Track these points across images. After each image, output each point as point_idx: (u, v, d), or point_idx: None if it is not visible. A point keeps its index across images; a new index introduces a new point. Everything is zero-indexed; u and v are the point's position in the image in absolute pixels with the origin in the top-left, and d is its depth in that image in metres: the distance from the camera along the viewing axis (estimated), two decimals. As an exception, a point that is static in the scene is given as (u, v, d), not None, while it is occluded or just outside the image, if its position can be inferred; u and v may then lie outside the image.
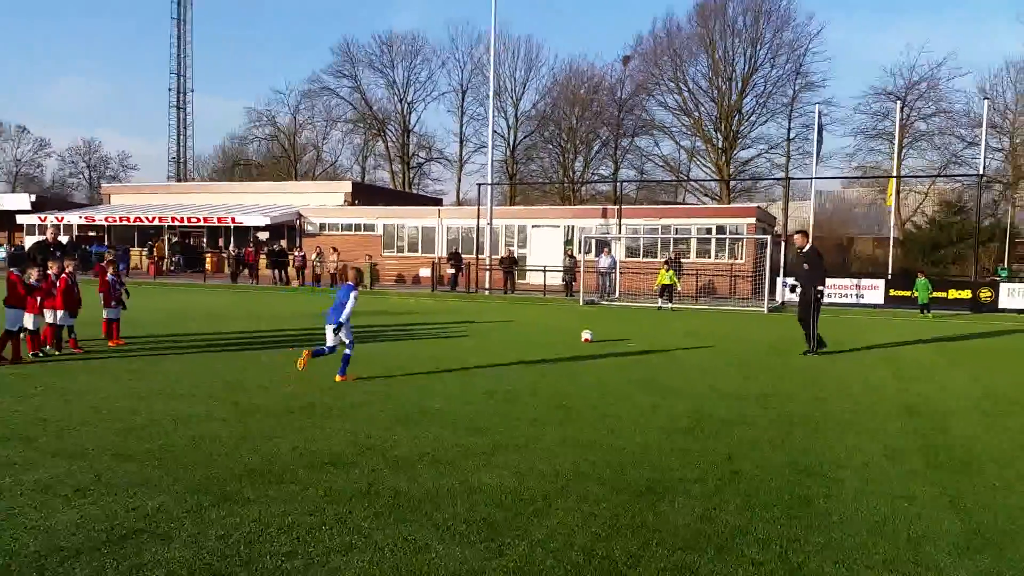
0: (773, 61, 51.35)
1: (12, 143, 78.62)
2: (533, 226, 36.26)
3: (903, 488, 5.66)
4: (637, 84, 55.44)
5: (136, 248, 42.92)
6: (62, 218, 43.67)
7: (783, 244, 31.77)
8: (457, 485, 5.50)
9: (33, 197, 47.99)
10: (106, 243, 43.00)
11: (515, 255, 33.90)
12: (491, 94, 35.66)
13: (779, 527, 4.81)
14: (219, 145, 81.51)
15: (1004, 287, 26.26)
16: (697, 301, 27.84)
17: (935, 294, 25.46)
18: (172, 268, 41.54)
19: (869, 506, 5.24)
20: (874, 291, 27.39)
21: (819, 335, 13.40)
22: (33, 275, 11.20)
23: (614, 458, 6.32)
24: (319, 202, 42.61)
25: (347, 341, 9.86)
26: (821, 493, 5.50)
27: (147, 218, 41.84)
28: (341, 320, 9.61)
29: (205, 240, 44.37)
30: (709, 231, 32.79)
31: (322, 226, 40.41)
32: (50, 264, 12.04)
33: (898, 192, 41.73)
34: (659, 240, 33.02)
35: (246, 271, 35.85)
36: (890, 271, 32.67)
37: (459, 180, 62.27)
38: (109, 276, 13.10)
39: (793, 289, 14.02)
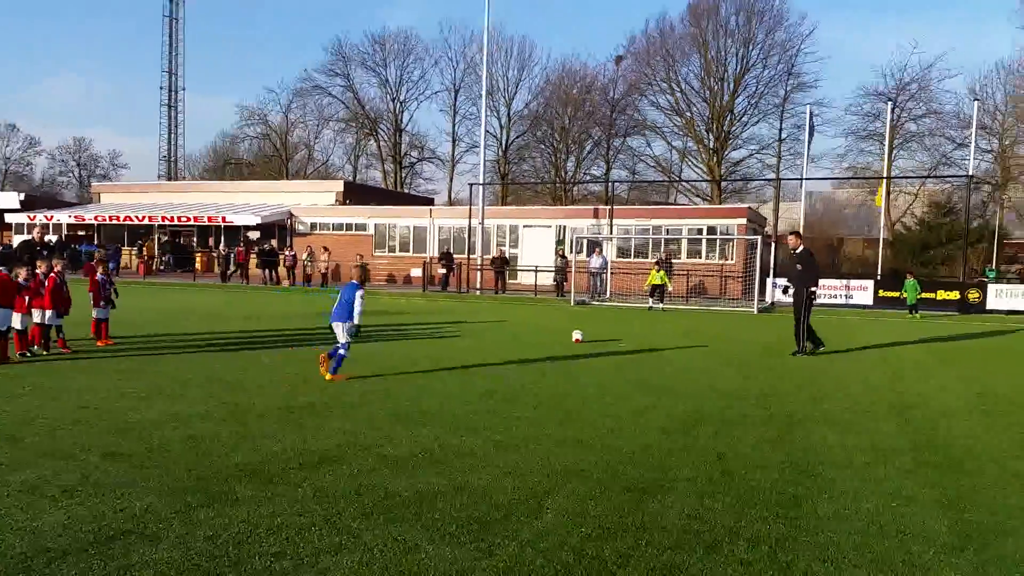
0: (765, 61, 51.59)
1: (2, 141, 78.25)
2: (525, 226, 36.27)
3: (893, 487, 5.68)
4: (629, 84, 55.59)
5: (126, 247, 42.71)
6: (51, 217, 43.45)
7: (773, 245, 31.90)
8: (448, 485, 5.49)
9: (22, 196, 47.73)
10: (96, 242, 42.79)
11: (506, 255, 33.90)
12: (484, 93, 35.64)
13: (769, 526, 4.82)
14: (210, 144, 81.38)
15: (992, 288, 26.42)
16: (688, 301, 27.91)
17: (924, 295, 25.61)
18: (162, 268, 41.38)
19: (859, 505, 5.25)
20: (863, 292, 27.52)
21: (816, 335, 13.45)
22: (21, 274, 11.14)
23: (605, 457, 6.32)
24: (310, 201, 42.50)
25: (344, 341, 9.87)
26: (811, 492, 5.52)
27: (137, 217, 41.66)
28: (357, 323, 9.75)
29: (195, 239, 44.20)
30: (700, 232, 32.87)
31: (313, 226, 40.31)
32: (38, 263, 11.97)
33: (888, 193, 41.89)
34: (650, 240, 33.08)
35: (238, 271, 35.76)
36: (879, 272, 32.82)
37: (451, 180, 62.28)
38: (99, 275, 13.04)
39: (786, 291, 14.05)
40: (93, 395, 8.46)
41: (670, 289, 26.33)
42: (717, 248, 32.86)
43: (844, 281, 28.28)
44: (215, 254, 39.22)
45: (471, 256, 33.09)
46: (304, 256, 35.09)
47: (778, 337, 16.02)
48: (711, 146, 53.00)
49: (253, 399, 8.42)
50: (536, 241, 35.63)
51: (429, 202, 53.17)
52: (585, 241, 31.83)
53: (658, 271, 24.83)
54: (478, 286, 32.15)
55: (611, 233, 33.27)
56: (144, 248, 39.57)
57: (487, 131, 41.53)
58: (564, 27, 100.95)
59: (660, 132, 55.19)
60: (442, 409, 8.11)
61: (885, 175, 39.17)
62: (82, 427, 7.00)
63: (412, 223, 38.48)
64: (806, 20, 70.62)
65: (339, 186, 44.84)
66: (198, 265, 40.26)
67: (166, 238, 43.95)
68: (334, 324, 9.92)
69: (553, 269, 31.68)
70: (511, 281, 33.11)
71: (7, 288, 10.73)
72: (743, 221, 32.65)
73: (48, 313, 11.58)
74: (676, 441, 6.95)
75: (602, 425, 7.54)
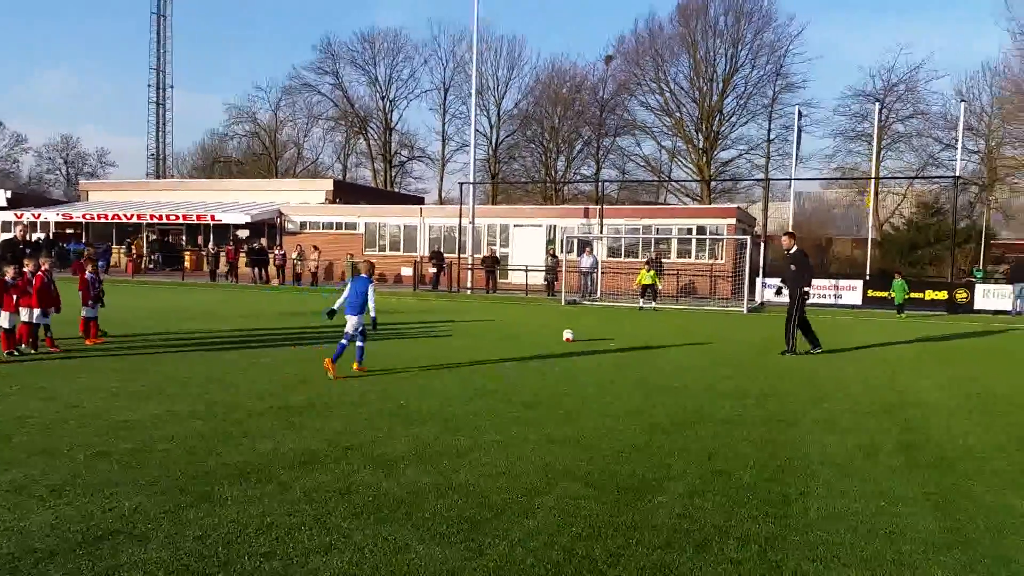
0: (754, 62, 51.77)
1: (-12, 138, 77.51)
2: (515, 225, 36.28)
3: (882, 486, 5.71)
4: (619, 84, 55.65)
5: (115, 246, 42.47)
6: (39, 215, 43.17)
7: (763, 245, 32.01)
8: (438, 484, 5.49)
9: (9, 194, 47.42)
10: (84, 241, 42.54)
11: (497, 254, 33.89)
12: (473, 92, 35.63)
13: (758, 525, 4.83)
14: (199, 142, 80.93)
15: (979, 288, 26.61)
16: (678, 301, 27.98)
17: (912, 295, 25.78)
18: (151, 266, 41.17)
19: (849, 504, 5.28)
20: (852, 292, 27.66)
21: (815, 336, 13.50)
22: (9, 273, 11.06)
23: (596, 457, 6.33)
24: (300, 200, 42.38)
25: (350, 333, 10.09)
26: (800, 491, 5.54)
27: (125, 216, 41.42)
28: (373, 314, 10.02)
29: (184, 238, 44.00)
30: (690, 231, 32.96)
31: (303, 224, 40.19)
32: (26, 262, 11.89)
33: (876, 193, 42.14)
34: (640, 240, 33.14)
35: (230, 270, 35.61)
36: (868, 272, 33.00)
37: (441, 179, 62.25)
38: (88, 274, 12.97)
39: (779, 291, 14.09)
40: (82, 394, 8.41)
41: (660, 288, 26.40)
42: (707, 248, 32.95)
43: (833, 281, 28.41)
44: (204, 253, 39.06)
45: (462, 255, 33.07)
46: (294, 255, 34.98)
47: (768, 337, 16.08)
48: (700, 146, 53.15)
49: (244, 398, 8.39)
50: (526, 240, 35.65)
51: (419, 201, 53.13)
52: (575, 241, 31.87)
53: (648, 271, 24.89)
54: (469, 285, 32.13)
55: (601, 233, 33.32)
56: (133, 247, 39.35)
57: (477, 130, 41.47)
58: (554, 27, 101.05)
59: (650, 132, 55.37)
60: (432, 409, 8.10)
61: (873, 175, 39.38)
62: (71, 426, 6.95)
63: (402, 222, 38.43)
64: (794, 21, 70.68)
65: (329, 185, 44.74)
66: (187, 264, 40.07)
67: (155, 237, 43.72)
68: (348, 317, 10.13)
69: (544, 269, 31.70)
70: (502, 280, 33.12)
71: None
72: (732, 221, 32.76)
73: (36, 312, 11.51)
74: (666, 440, 6.97)
75: (593, 424, 7.55)
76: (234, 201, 43.17)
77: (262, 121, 66.56)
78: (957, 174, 32.78)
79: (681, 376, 10.76)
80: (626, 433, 7.21)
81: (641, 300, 24.89)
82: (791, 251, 13.95)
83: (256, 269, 35.12)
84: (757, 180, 53.28)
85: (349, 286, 10.24)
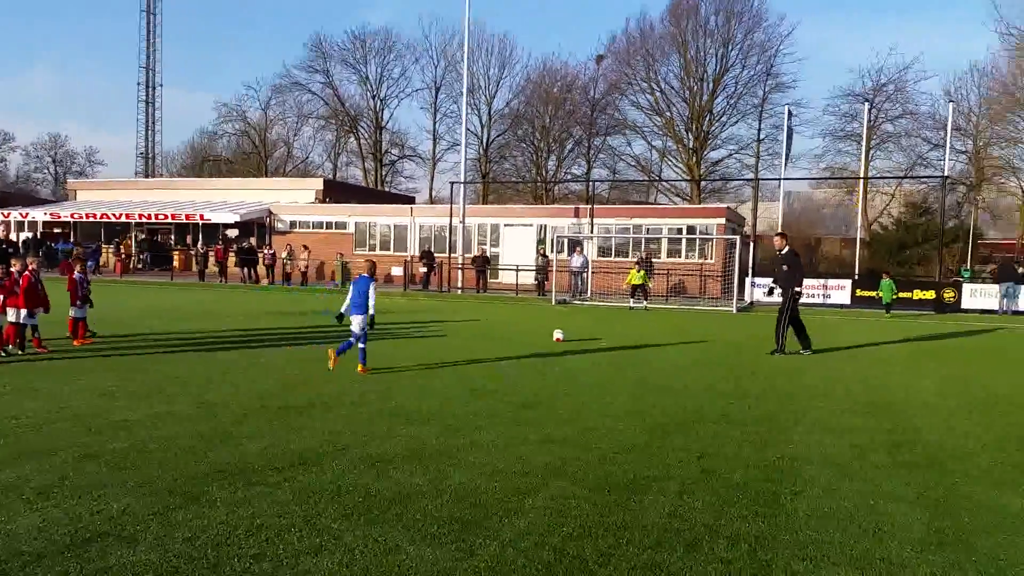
0: (744, 62, 51.89)
1: (-27, 138, 76.93)
2: (506, 225, 36.26)
3: (870, 485, 5.74)
4: (610, 83, 55.69)
5: (104, 245, 42.24)
6: (27, 214, 42.87)
7: (752, 244, 32.12)
8: (429, 484, 5.48)
9: (-4, 193, 47.04)
10: (72, 240, 42.29)
11: (488, 254, 33.88)
12: (465, 91, 35.61)
13: (748, 524, 4.85)
14: (188, 141, 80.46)
15: (967, 288, 26.78)
16: (668, 301, 28.04)
17: (900, 295, 25.92)
18: (140, 266, 40.96)
19: (838, 503, 5.30)
20: (841, 291, 27.80)
21: (807, 337, 13.54)
22: (-5, 273, 10.99)
23: (586, 456, 6.34)
24: (290, 199, 42.24)
25: (357, 332, 10.32)
26: (790, 490, 5.56)
27: (114, 215, 41.18)
28: (372, 312, 10.24)
29: (173, 237, 43.79)
30: (680, 231, 33.02)
31: (293, 224, 40.05)
32: (13, 262, 11.81)
33: (865, 193, 42.32)
34: (631, 240, 33.20)
35: (217, 269, 35.47)
36: (857, 271, 33.15)
37: (432, 178, 62.14)
38: (76, 274, 12.90)
39: (771, 292, 14.14)
40: (70, 395, 8.36)
41: (650, 287, 26.46)
42: (697, 248, 33.03)
43: (822, 281, 28.53)
44: (193, 252, 38.90)
45: (452, 255, 33.04)
46: (284, 254, 34.86)
47: (757, 336, 16.13)
48: (690, 146, 53.26)
49: (234, 399, 8.36)
50: (517, 240, 35.64)
51: (410, 200, 53.06)
52: (566, 240, 31.89)
53: (638, 271, 24.92)
54: (459, 285, 32.11)
55: (592, 232, 33.35)
56: (122, 247, 39.14)
57: (468, 129, 41.46)
58: (545, 26, 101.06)
59: (640, 132, 55.42)
60: (422, 409, 8.09)
61: (862, 175, 39.55)
62: (59, 427, 6.91)
63: (393, 221, 38.35)
64: (785, 21, 71.17)
65: (319, 184, 44.61)
66: (176, 263, 39.89)
67: (143, 236, 43.49)
68: (352, 317, 10.35)
69: (534, 268, 31.71)
70: (492, 280, 33.10)
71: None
72: (722, 221, 32.85)
73: (23, 312, 11.43)
74: (656, 440, 6.98)
75: (583, 424, 7.55)
76: (223, 200, 42.98)
77: (252, 120, 66.35)
78: (945, 174, 32.97)
79: (670, 376, 10.78)
80: (616, 433, 7.21)
81: (631, 300, 24.92)
82: (783, 251, 14.02)
83: (245, 269, 34.99)
84: (747, 180, 53.46)
85: (352, 287, 10.45)
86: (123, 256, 38.27)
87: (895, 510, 5.20)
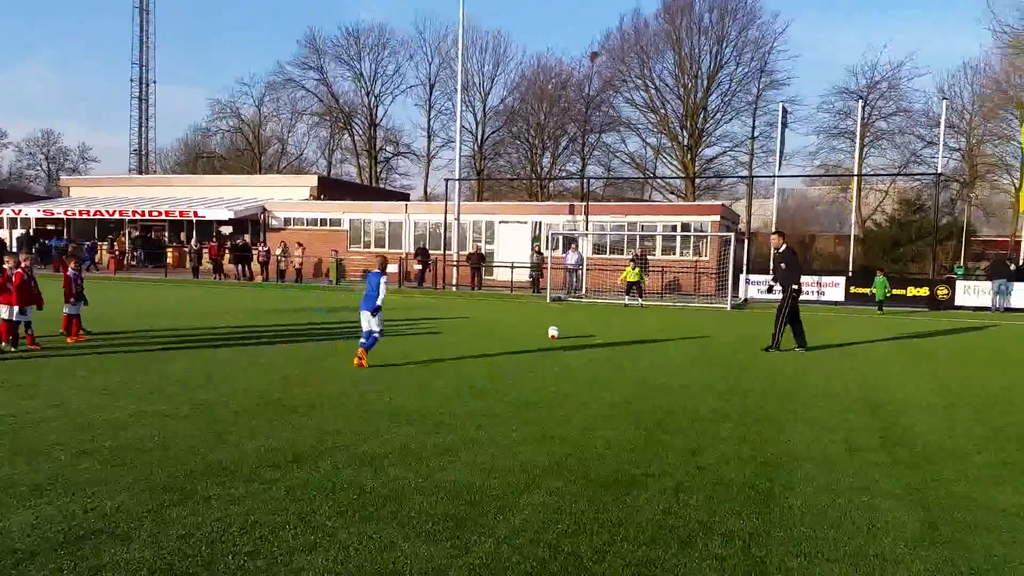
0: (738, 59, 51.97)
1: (-35, 134, 76.54)
2: (501, 222, 36.24)
3: (864, 482, 5.76)
4: (604, 81, 55.73)
5: (99, 242, 42.07)
6: (19, 211, 42.68)
7: (747, 242, 32.17)
8: (424, 482, 5.48)
9: (-12, 189, 46.80)
10: (66, 237, 42.13)
11: (483, 251, 33.86)
12: (459, 88, 35.55)
13: (742, 521, 4.86)
14: (181, 137, 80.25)
15: (960, 285, 26.87)
16: (663, 298, 28.07)
17: (894, 292, 25.99)
18: (133, 263, 40.83)
19: (832, 500, 5.32)
20: (835, 288, 27.86)
21: (803, 336, 13.56)
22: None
23: (581, 453, 6.34)
24: (284, 196, 42.14)
25: (376, 329, 10.59)
26: (784, 487, 5.58)
27: (108, 212, 41.01)
28: (379, 304, 10.50)
29: (167, 234, 43.65)
30: (675, 228, 33.05)
31: (287, 220, 39.94)
32: (5, 259, 11.76)
33: (859, 190, 42.43)
34: (625, 237, 33.22)
35: (211, 266, 35.35)
36: (851, 268, 33.23)
37: (427, 175, 62.05)
38: (70, 271, 12.86)
39: (770, 290, 14.14)
40: (64, 392, 8.34)
41: (647, 283, 26.50)
42: (691, 245, 33.07)
43: (816, 278, 28.59)
44: (187, 249, 38.79)
45: (447, 252, 33.01)
46: (278, 251, 34.78)
47: (751, 334, 16.16)
48: (685, 143, 53.31)
49: (228, 396, 8.35)
50: (512, 237, 35.62)
51: (405, 197, 52.96)
52: (561, 237, 31.88)
53: (633, 268, 24.95)
54: (454, 282, 32.09)
55: (587, 229, 33.35)
56: (115, 243, 39.00)
57: (462, 126, 41.42)
58: (539, 23, 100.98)
59: (635, 129, 55.46)
60: (418, 406, 8.09)
61: (856, 173, 39.64)
62: (52, 425, 6.89)
63: (387, 218, 38.28)
64: (779, 18, 71.26)
65: (313, 181, 44.49)
66: (170, 260, 39.76)
67: (137, 233, 43.34)
68: (362, 312, 10.65)
69: (529, 265, 31.70)
70: (487, 277, 33.09)
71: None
72: (717, 218, 32.88)
73: (15, 309, 11.38)
74: (651, 437, 6.99)
75: (578, 421, 7.56)
76: (218, 197, 42.86)
77: (246, 116, 66.15)
78: (939, 171, 33.08)
79: (665, 373, 10.80)
80: (611, 430, 7.22)
81: (627, 297, 24.94)
82: (780, 249, 14.04)
83: (239, 266, 34.90)
84: (741, 177, 53.55)
85: (367, 283, 10.81)
86: (117, 253, 38.14)
87: (889, 507, 5.21)
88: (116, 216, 41.27)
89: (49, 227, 44.26)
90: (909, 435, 7.35)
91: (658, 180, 55.30)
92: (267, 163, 66.25)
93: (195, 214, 39.20)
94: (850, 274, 30.10)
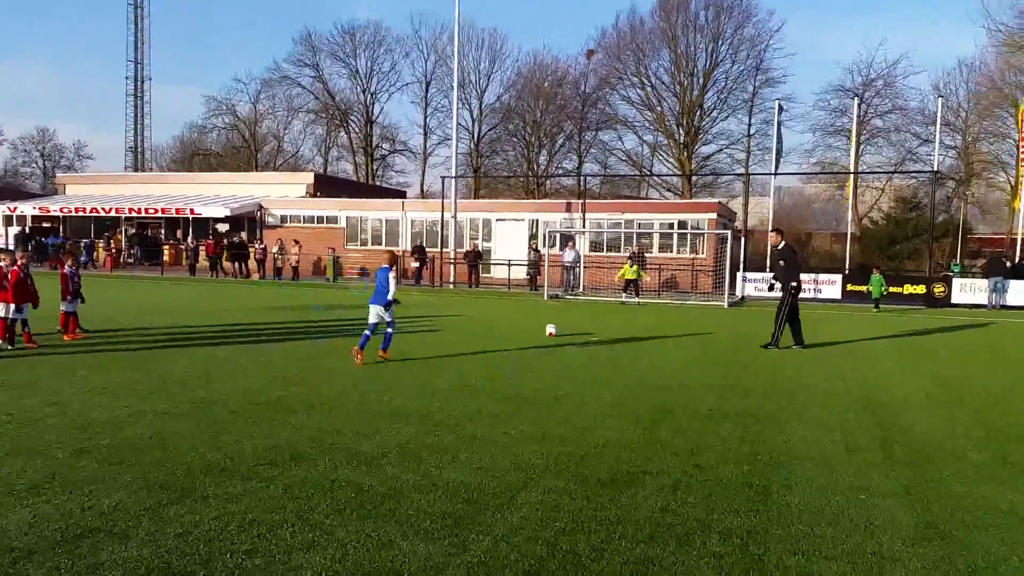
0: (734, 57, 52.02)
1: (-40, 131, 76.32)
2: (497, 220, 36.22)
3: (861, 480, 5.77)
4: (600, 78, 55.71)
5: (96, 240, 41.98)
6: (15, 208, 42.58)
7: (743, 239, 32.20)
8: (421, 480, 5.48)
9: (-17, 186, 46.66)
10: (62, 235, 42.03)
11: (480, 249, 33.86)
12: (455, 86, 35.55)
13: (740, 519, 4.87)
14: (178, 135, 79.92)
15: (957, 282, 26.91)
16: (660, 295, 28.09)
17: (891, 289, 26.03)
18: (130, 261, 40.75)
19: (829, 498, 5.33)
20: (832, 286, 27.90)
21: (800, 334, 13.56)
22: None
23: (578, 452, 6.35)
24: (280, 193, 42.06)
25: (388, 320, 10.82)
26: (782, 485, 5.58)
27: (104, 209, 40.90)
28: (390, 299, 10.73)
29: (163, 232, 43.57)
30: (671, 226, 33.06)
31: (284, 218, 39.89)
32: (1, 257, 11.73)
33: (855, 188, 42.49)
34: (622, 235, 33.23)
35: (207, 263, 35.30)
36: (847, 266, 33.27)
37: (423, 173, 61.97)
38: (67, 268, 12.83)
39: (771, 287, 14.14)
40: (61, 390, 8.32)
41: (647, 279, 26.52)
42: (688, 242, 33.10)
43: (813, 275, 28.62)
44: (183, 247, 38.73)
45: (444, 250, 33.00)
46: (275, 249, 34.73)
47: (749, 332, 16.18)
48: (681, 141, 53.32)
49: (226, 395, 8.33)
50: (509, 235, 35.61)
51: (401, 195, 52.93)
52: (558, 235, 31.88)
53: (631, 266, 24.95)
54: (451, 280, 32.08)
55: (584, 227, 33.36)
56: (112, 241, 38.91)
57: (459, 124, 41.41)
58: (535, 20, 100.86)
59: (631, 126, 55.48)
60: (416, 405, 8.09)
61: (852, 170, 39.68)
62: (50, 423, 6.88)
63: (384, 216, 38.25)
64: (774, 16, 71.19)
65: (310, 178, 44.41)
66: (166, 258, 39.70)
67: (133, 231, 43.25)
68: (372, 307, 10.85)
69: (526, 263, 31.70)
70: (484, 275, 33.08)
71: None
72: (713, 216, 32.91)
73: (11, 307, 11.36)
74: (648, 435, 6.99)
75: (575, 419, 7.56)
76: (214, 195, 42.77)
77: (241, 114, 66.00)
78: (935, 169, 33.12)
79: (662, 371, 10.81)
80: (608, 428, 7.23)
81: (624, 294, 24.95)
82: (779, 247, 14.04)
83: (236, 263, 34.85)
84: (737, 175, 53.58)
85: (376, 279, 11.05)
86: (113, 251, 38.06)
87: (886, 505, 5.23)
88: (112, 214, 41.17)
89: (45, 225, 44.15)
90: (907, 434, 7.36)
91: (655, 178, 55.34)
92: (263, 160, 66.12)
93: (191, 212, 39.12)
94: (847, 272, 30.12)
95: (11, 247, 31.74)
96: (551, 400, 8.48)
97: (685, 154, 52.92)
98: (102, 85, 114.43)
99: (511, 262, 31.53)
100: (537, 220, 35.15)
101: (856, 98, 41.03)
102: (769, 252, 23.35)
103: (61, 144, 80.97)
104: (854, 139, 38.62)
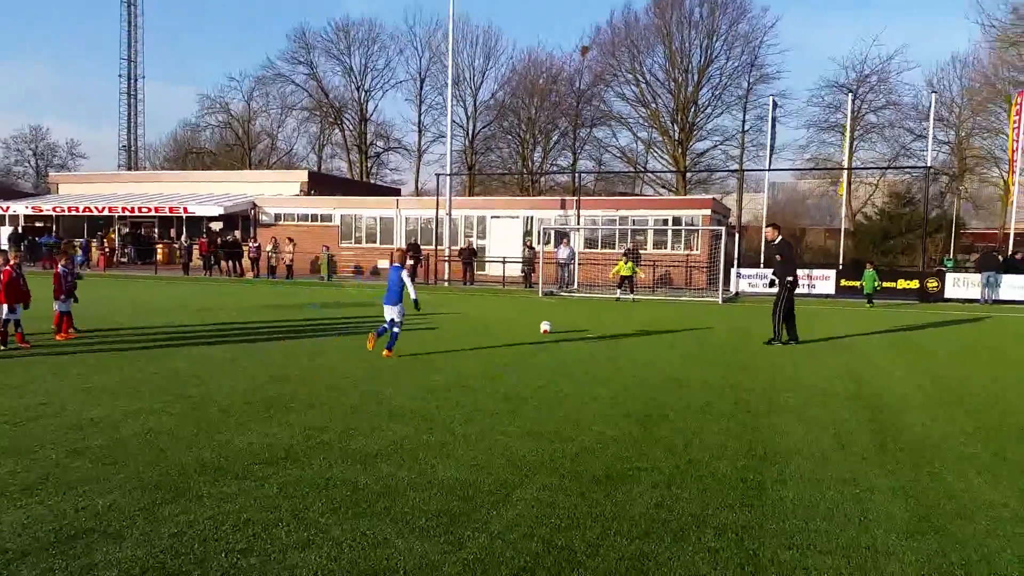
0: (728, 53, 52.00)
1: (-48, 130, 75.90)
2: (492, 217, 36.21)
3: (855, 474, 5.79)
4: (595, 75, 55.64)
5: (91, 240, 41.84)
6: (7, 207, 42.42)
7: (737, 235, 32.22)
8: (416, 478, 5.48)
9: (-24, 186, 46.47)
10: (55, 234, 41.88)
11: (474, 246, 33.85)
12: (450, 83, 35.47)
13: (735, 514, 4.88)
14: (171, 133, 79.74)
15: (950, 277, 26.99)
16: (654, 292, 28.11)
17: (885, 284, 26.10)
18: (124, 260, 40.63)
19: (823, 492, 5.34)
20: (826, 281, 27.95)
21: (795, 329, 13.56)
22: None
23: (572, 448, 6.35)
24: (274, 192, 41.96)
25: (397, 320, 11.04)
26: (776, 480, 5.60)
27: (97, 208, 40.75)
28: (414, 297, 10.98)
29: (157, 231, 43.44)
30: (666, 222, 33.09)
31: (278, 216, 39.82)
32: (-6, 256, 11.69)
33: (849, 184, 42.54)
34: (617, 231, 33.25)
35: (216, 263, 35.21)
36: (841, 262, 33.34)
37: (418, 170, 61.93)
38: (60, 267, 12.78)
39: (772, 284, 14.12)
40: (54, 391, 8.29)
41: (641, 276, 26.55)
42: (683, 239, 33.13)
43: (807, 271, 28.66)
44: (177, 245, 38.62)
45: (439, 247, 32.98)
46: (269, 247, 34.67)
47: (743, 327, 16.21)
48: (676, 137, 53.33)
49: (220, 394, 8.32)
50: (504, 232, 35.61)
51: (396, 192, 52.87)
52: (553, 232, 31.89)
53: (626, 262, 24.96)
54: (446, 277, 32.07)
55: (578, 224, 33.38)
56: (105, 240, 38.79)
57: (453, 121, 41.34)
58: (529, 17, 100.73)
59: (626, 123, 55.45)
60: (411, 402, 8.08)
61: (846, 166, 39.74)
62: (43, 423, 6.86)
63: (379, 214, 38.21)
64: (768, 12, 71.33)
65: (304, 176, 44.30)
66: (160, 256, 39.58)
67: (127, 230, 43.12)
68: (385, 307, 11.11)
69: (521, 260, 31.70)
70: (479, 272, 33.08)
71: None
72: (708, 212, 32.94)
73: (4, 308, 11.31)
74: (642, 431, 7.00)
75: (569, 416, 7.57)
76: (208, 193, 42.65)
77: (235, 112, 65.80)
78: (928, 164, 33.18)
79: (657, 367, 10.82)
80: (603, 424, 7.23)
81: (619, 291, 24.97)
82: (776, 242, 14.03)
83: (230, 262, 34.78)
84: (732, 171, 53.59)
85: (388, 278, 11.23)
86: (107, 250, 37.95)
87: (880, 499, 5.24)
88: (105, 213, 41.02)
89: (38, 224, 44.00)
90: (900, 429, 7.39)
91: (649, 174, 55.34)
92: (257, 158, 65.94)
93: (185, 210, 39.01)
94: (840, 267, 30.18)
95: (4, 247, 31.63)
96: (545, 397, 8.48)
97: (679, 150, 52.92)
98: (95, 83, 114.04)
99: (506, 259, 31.52)
100: (532, 217, 35.15)
101: (850, 94, 41.14)
102: (765, 247, 23.37)
103: (54, 143, 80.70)
104: (848, 135, 38.69)
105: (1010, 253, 29.01)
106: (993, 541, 4.54)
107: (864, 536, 4.56)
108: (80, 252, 36.29)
